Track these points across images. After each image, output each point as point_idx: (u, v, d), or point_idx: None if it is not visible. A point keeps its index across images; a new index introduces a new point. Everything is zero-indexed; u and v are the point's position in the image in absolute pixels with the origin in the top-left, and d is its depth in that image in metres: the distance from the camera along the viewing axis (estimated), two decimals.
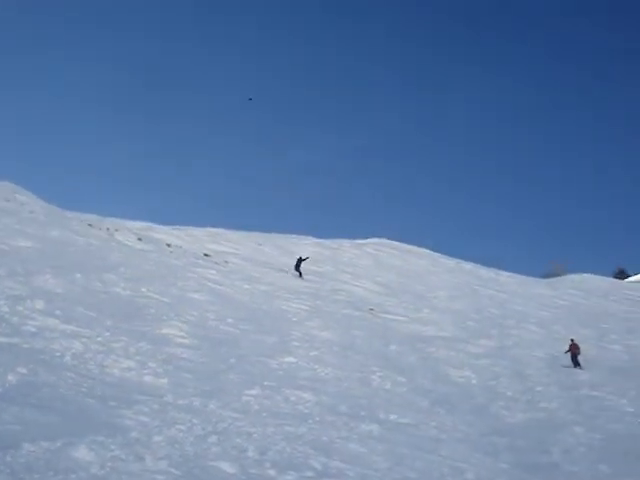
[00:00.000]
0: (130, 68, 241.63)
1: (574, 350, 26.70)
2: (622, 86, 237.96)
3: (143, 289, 23.05)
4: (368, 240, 54.38)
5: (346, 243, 51.34)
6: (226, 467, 9.88)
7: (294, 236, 50.39)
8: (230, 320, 22.29)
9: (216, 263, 34.12)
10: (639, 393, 23.75)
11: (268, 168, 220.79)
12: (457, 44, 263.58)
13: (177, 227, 43.65)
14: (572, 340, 27.43)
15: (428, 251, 56.66)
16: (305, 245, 46.71)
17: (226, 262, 35.12)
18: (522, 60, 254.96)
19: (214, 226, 46.76)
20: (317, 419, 13.86)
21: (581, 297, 49.79)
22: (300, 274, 35.91)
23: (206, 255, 35.87)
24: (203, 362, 16.55)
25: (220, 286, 28.28)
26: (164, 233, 40.15)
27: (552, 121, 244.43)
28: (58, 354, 13.92)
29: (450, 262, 54.48)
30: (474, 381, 22.37)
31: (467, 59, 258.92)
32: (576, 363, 26.37)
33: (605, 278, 64.83)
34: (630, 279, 73.64)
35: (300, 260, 36.67)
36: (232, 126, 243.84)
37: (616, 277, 74.83)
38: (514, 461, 14.40)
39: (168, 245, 36.32)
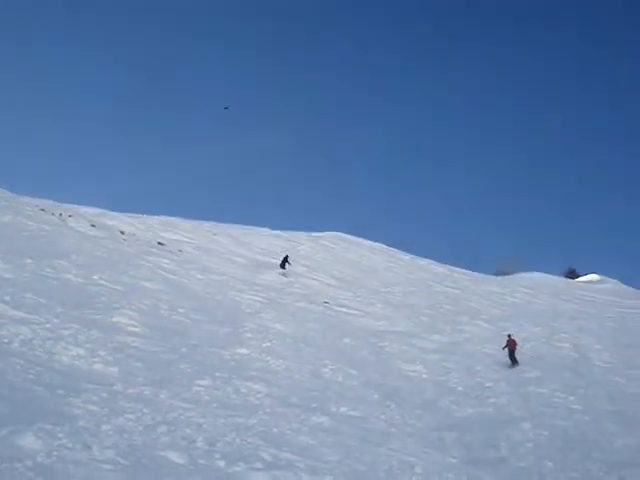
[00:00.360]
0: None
1: (511, 346, 26.76)
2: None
3: (95, 276, 22.76)
4: (325, 233, 54.42)
5: (302, 236, 51.32)
6: (175, 457, 9.82)
7: (249, 227, 50.22)
8: (183, 310, 22.13)
9: (170, 252, 33.83)
10: (587, 391, 24.19)
11: (224, 156, 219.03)
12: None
13: (131, 214, 43.19)
14: (509, 336, 27.50)
15: (384, 246, 56.94)
16: (261, 236, 46.58)
17: (180, 251, 34.85)
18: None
19: (169, 215, 46.43)
20: (268, 410, 13.84)
21: (532, 295, 50.53)
22: (285, 272, 36.08)
23: (160, 244, 35.56)
24: (154, 351, 16.41)
25: (173, 275, 28.06)
26: (118, 220, 39.67)
27: (497, 118, 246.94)
28: (6, 340, 13.67)
29: (405, 258, 54.84)
30: (425, 376, 22.55)
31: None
32: (513, 360, 26.45)
33: (556, 277, 65.99)
34: (581, 279, 74.88)
35: (285, 259, 36.78)
36: (187, 113, 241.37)
37: (567, 277, 76.04)
38: (462, 456, 14.56)
39: (122, 232, 35.90)
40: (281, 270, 36.39)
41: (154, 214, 45.50)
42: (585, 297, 54.98)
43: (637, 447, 17.28)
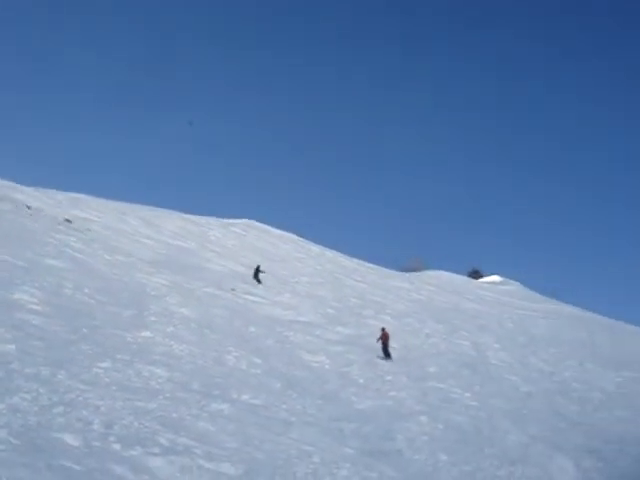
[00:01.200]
0: None
1: (384, 339, 26.84)
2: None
3: None
4: (236, 220, 54.20)
5: (214, 222, 50.97)
6: (69, 439, 9.67)
7: (160, 209, 49.55)
8: (87, 290, 21.68)
9: (77, 230, 33.04)
10: (483, 388, 24.96)
11: (139, 137, 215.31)
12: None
13: (40, 189, 41.94)
14: (383, 329, 27.63)
15: (294, 236, 57.14)
16: (171, 220, 46.03)
17: (88, 230, 34.08)
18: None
19: (77, 191, 45.29)
20: (168, 395, 13.73)
21: (436, 293, 51.67)
22: (259, 281, 35.16)
23: (67, 221, 34.67)
24: (55, 331, 16.03)
25: (80, 254, 27.44)
26: (25, 194, 38.44)
27: (401, 115, 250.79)
28: None
29: (315, 249, 55.17)
30: (328, 367, 22.77)
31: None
32: (386, 353, 26.54)
33: (460, 276, 67.67)
34: (484, 279, 76.95)
35: (257, 270, 35.84)
36: (106, 91, 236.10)
37: (471, 276, 78.04)
38: (360, 446, 14.80)
39: (28, 207, 34.83)
40: (254, 280, 35.22)
41: (64, 190, 44.31)
42: (487, 297, 56.60)
43: (527, 443, 17.99)
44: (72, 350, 14.86)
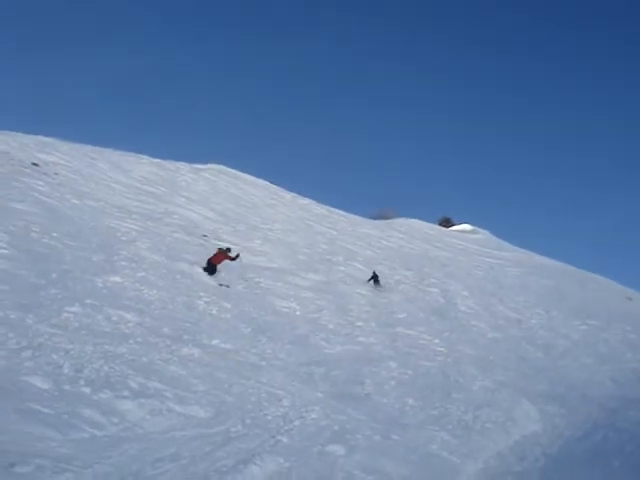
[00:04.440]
0: None
1: (215, 259, 24.25)
2: None
3: None
4: (207, 166, 53.65)
5: (184, 166, 50.41)
6: (39, 382, 9.65)
7: (130, 154, 48.80)
8: (56, 234, 21.41)
9: (45, 174, 32.50)
10: (451, 334, 25.30)
11: (107, 76, 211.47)
12: None
13: (5, 132, 41.07)
14: (219, 249, 25.15)
15: (267, 182, 56.82)
16: (141, 164, 45.46)
17: (56, 174, 33.53)
18: None
19: (46, 135, 44.38)
20: (139, 340, 13.73)
21: (406, 240, 51.99)
22: (379, 283, 32.14)
23: (34, 164, 34.06)
24: (23, 275, 15.86)
25: (48, 198, 27.02)
26: None
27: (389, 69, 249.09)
28: None
29: (287, 196, 54.98)
30: (298, 312, 22.89)
31: None
32: (209, 270, 23.67)
33: (430, 224, 68.09)
34: (454, 228, 77.52)
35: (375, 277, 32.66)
36: (68, 28, 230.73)
37: (441, 224, 78.58)
38: (329, 390, 14.97)
39: None
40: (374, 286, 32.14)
41: (31, 133, 43.43)
42: (457, 245, 57.13)
43: (492, 389, 18.32)
44: (41, 294, 14.74)
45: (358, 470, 9.95)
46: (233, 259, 25.26)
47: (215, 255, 24.86)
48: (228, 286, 23.10)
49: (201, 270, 23.79)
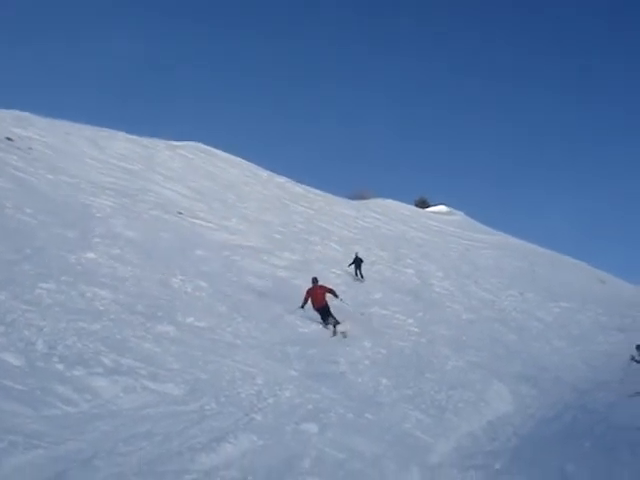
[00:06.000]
0: None
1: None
2: None
3: None
4: (184, 143, 53.26)
5: (160, 143, 50.00)
6: (11, 359, 9.58)
7: (105, 130, 48.30)
8: (29, 210, 21.19)
9: (19, 149, 32.10)
10: (425, 315, 25.48)
11: (88, 55, 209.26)
12: None
13: None
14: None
15: (243, 161, 56.55)
16: (116, 141, 45.01)
17: (30, 149, 33.13)
18: None
19: (21, 110, 43.76)
20: (112, 317, 13.64)
21: (382, 221, 52.13)
22: (361, 276, 30.77)
23: (8, 139, 33.62)
24: None
25: (21, 173, 26.71)
26: None
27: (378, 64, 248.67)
28: None
29: (264, 174, 54.79)
30: (273, 291, 22.90)
31: None
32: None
33: (406, 205, 68.31)
34: (430, 209, 77.81)
35: (358, 260, 31.36)
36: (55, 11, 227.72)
37: (417, 205, 78.88)
38: (303, 369, 15.00)
39: None
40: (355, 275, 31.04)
41: (6, 107, 42.80)
42: (433, 227, 57.42)
43: (466, 369, 18.49)
44: (14, 270, 14.60)
45: (331, 448, 10.00)
46: (336, 295, 21.93)
47: (315, 291, 21.61)
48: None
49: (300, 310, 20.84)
